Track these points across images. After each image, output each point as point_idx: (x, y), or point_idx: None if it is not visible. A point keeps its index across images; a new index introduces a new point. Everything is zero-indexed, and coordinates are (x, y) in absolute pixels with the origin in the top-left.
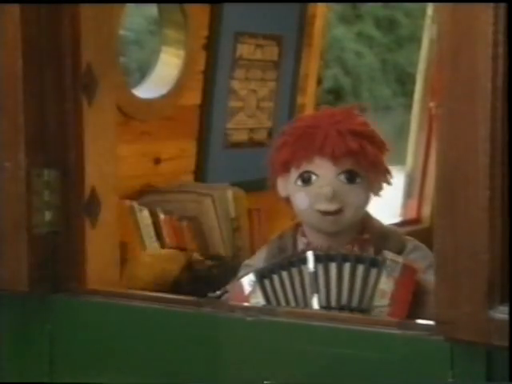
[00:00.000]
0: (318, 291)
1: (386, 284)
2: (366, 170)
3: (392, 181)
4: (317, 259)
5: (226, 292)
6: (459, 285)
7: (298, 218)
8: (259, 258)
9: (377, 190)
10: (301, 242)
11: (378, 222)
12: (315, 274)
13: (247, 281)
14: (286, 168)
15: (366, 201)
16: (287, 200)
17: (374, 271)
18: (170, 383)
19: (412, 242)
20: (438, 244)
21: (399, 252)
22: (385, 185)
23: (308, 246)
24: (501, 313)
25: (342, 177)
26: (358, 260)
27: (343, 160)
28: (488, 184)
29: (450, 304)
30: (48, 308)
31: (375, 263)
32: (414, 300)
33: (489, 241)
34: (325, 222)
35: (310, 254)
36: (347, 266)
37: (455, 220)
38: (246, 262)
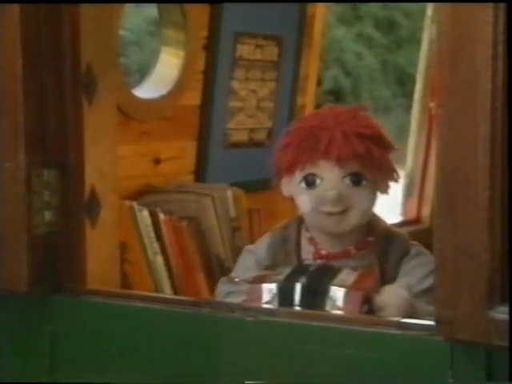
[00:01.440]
0: None
1: None
2: (372, 172)
3: (399, 179)
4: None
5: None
6: (459, 285)
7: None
8: (261, 245)
9: (384, 190)
10: (304, 237)
11: (384, 224)
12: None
13: (268, 290)
14: (290, 170)
15: (373, 202)
16: (291, 199)
17: (321, 302)
18: (170, 383)
19: (416, 248)
20: (437, 244)
21: (402, 257)
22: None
23: (311, 243)
24: (501, 313)
25: (347, 179)
26: (313, 292)
27: (348, 163)
28: (488, 184)
29: (450, 304)
30: (48, 308)
31: (323, 293)
32: None
33: (489, 241)
34: (329, 222)
35: (269, 286)
36: (310, 299)
37: (455, 220)
38: (248, 247)
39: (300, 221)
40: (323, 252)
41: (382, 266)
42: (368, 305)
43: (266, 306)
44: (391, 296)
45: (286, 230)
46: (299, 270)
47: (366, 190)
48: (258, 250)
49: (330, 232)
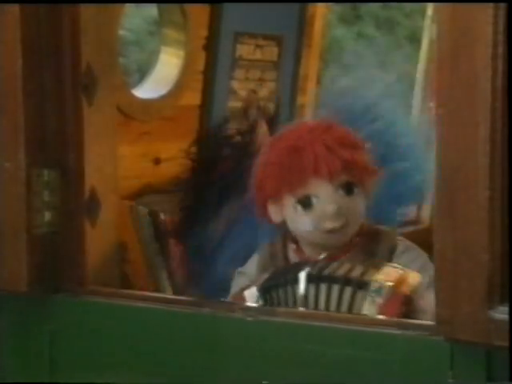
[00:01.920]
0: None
1: (368, 310)
2: (360, 177)
3: (381, 174)
4: (309, 279)
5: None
6: (459, 285)
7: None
8: (251, 265)
9: (372, 189)
10: (291, 249)
11: (367, 224)
12: (305, 295)
13: (250, 295)
14: (277, 195)
15: (364, 208)
16: (281, 224)
17: (359, 295)
18: (170, 383)
19: (403, 243)
20: (437, 244)
21: (390, 253)
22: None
23: (298, 254)
24: (501, 313)
25: (341, 190)
26: (346, 282)
27: (338, 175)
28: (488, 184)
29: (450, 304)
30: (48, 308)
31: (362, 286)
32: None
33: (489, 241)
34: (330, 239)
35: (302, 275)
36: (336, 289)
37: (455, 220)
38: (239, 269)
39: (285, 235)
40: (311, 260)
41: None
42: (407, 306)
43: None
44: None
45: (272, 246)
46: (279, 271)
47: (359, 197)
48: (248, 269)
49: (330, 247)
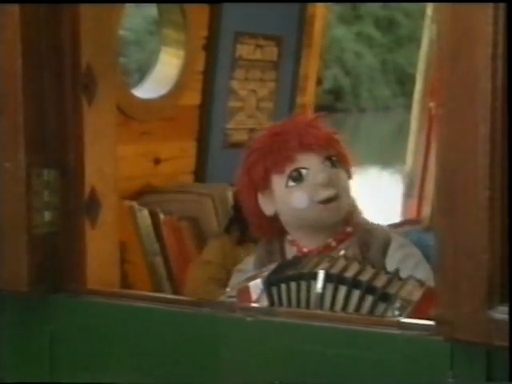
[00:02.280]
0: (322, 310)
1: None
2: (342, 158)
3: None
4: (327, 279)
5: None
6: (459, 285)
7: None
8: (248, 263)
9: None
10: (287, 241)
11: (361, 216)
12: (322, 293)
13: (254, 287)
14: (265, 179)
15: (349, 186)
16: (273, 218)
17: (381, 307)
18: (170, 383)
19: (397, 239)
20: (437, 244)
21: (385, 247)
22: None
23: (294, 245)
24: (501, 313)
25: (327, 163)
26: (368, 289)
27: (322, 148)
28: (488, 184)
29: (450, 304)
30: (48, 308)
31: (385, 298)
32: None
33: (489, 241)
34: (326, 212)
35: (321, 273)
36: (356, 294)
37: (455, 220)
38: (238, 267)
39: (280, 229)
40: (305, 250)
41: (363, 256)
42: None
43: (266, 305)
44: None
45: (270, 243)
46: (286, 263)
47: (343, 171)
48: (246, 267)
49: (326, 223)
